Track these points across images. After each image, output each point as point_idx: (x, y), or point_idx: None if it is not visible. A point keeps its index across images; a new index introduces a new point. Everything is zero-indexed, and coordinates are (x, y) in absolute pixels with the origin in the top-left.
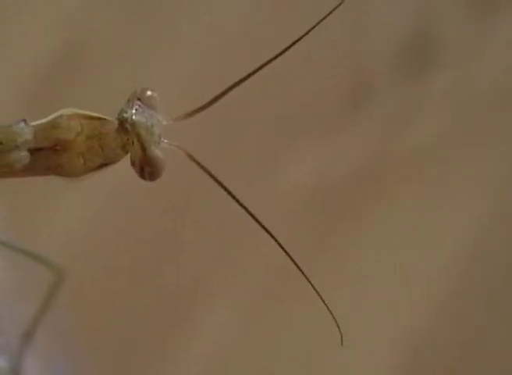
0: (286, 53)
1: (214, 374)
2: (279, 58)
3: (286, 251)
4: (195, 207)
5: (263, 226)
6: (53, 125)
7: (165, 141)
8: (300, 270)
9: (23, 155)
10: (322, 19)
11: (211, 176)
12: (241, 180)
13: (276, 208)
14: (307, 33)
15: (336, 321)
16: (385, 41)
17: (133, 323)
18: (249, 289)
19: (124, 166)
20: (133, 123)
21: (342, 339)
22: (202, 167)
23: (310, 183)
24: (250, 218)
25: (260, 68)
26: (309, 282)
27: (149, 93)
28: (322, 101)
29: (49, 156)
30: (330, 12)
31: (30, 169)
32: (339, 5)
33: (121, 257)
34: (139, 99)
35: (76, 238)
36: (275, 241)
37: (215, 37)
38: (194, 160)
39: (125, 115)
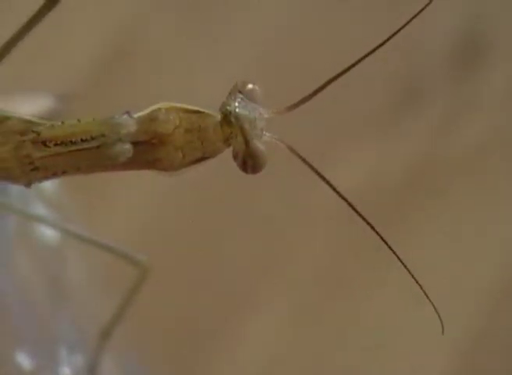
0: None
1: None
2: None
3: (382, 238)
4: (245, 208)
5: (361, 215)
6: (151, 118)
7: (267, 134)
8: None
9: (127, 148)
10: (399, 30)
11: (313, 168)
12: (293, 180)
13: (323, 210)
14: (384, 43)
15: (435, 309)
16: (435, 41)
17: (192, 322)
18: (295, 294)
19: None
20: (237, 116)
21: (443, 328)
22: (304, 161)
23: (358, 184)
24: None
25: (345, 71)
26: (407, 268)
27: (250, 86)
28: (372, 102)
29: (148, 150)
30: (409, 21)
31: (129, 164)
32: (423, 9)
33: (179, 256)
34: (240, 92)
35: (134, 239)
36: (382, 240)
37: (269, 40)
38: (296, 153)
39: (228, 108)
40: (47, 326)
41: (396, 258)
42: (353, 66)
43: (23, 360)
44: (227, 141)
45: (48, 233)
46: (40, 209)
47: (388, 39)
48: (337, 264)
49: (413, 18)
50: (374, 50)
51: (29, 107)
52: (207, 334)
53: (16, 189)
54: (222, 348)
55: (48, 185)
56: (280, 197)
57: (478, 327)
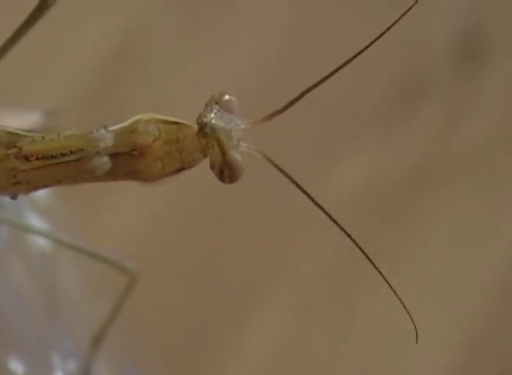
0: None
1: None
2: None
3: (358, 246)
4: (250, 209)
5: (339, 225)
6: (131, 129)
7: (244, 144)
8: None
9: (105, 161)
10: (396, 21)
11: (289, 178)
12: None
13: (329, 207)
14: (381, 36)
15: (412, 318)
16: (436, 40)
17: (192, 324)
18: (302, 290)
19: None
20: (213, 128)
21: (417, 336)
22: (281, 170)
23: (362, 182)
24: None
25: (335, 71)
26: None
27: (227, 97)
28: (372, 101)
29: (127, 161)
30: (405, 13)
31: (108, 175)
32: (414, 4)
33: (179, 259)
34: (217, 103)
35: (134, 242)
36: (351, 239)
37: (269, 42)
38: (273, 163)
39: (204, 119)
40: (40, 333)
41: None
42: (337, 70)
43: (17, 367)
44: (204, 152)
45: (41, 242)
46: (32, 219)
47: (376, 39)
48: (338, 264)
49: (402, 16)
50: (360, 52)
51: (18, 122)
52: (206, 338)
53: (8, 199)
54: (222, 352)
55: (41, 194)
56: (279, 199)
57: (481, 327)
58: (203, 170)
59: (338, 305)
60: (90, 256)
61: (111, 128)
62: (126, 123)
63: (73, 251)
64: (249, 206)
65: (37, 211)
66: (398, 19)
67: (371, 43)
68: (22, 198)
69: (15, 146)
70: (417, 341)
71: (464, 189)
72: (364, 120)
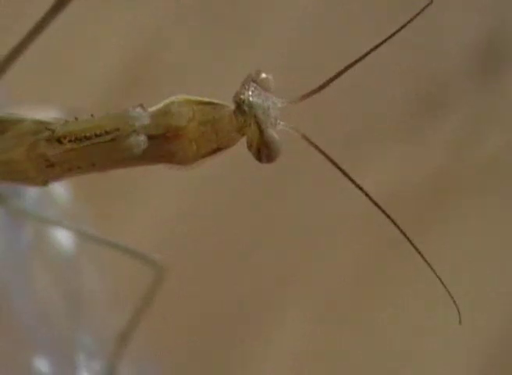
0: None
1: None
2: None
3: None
4: (278, 203)
5: (381, 209)
6: (165, 112)
7: (282, 123)
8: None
9: (142, 139)
10: (410, 21)
11: (328, 158)
12: (322, 180)
13: (353, 209)
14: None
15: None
16: (460, 45)
17: (217, 323)
18: (331, 290)
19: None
20: (250, 105)
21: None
22: (319, 149)
23: (386, 187)
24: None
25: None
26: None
27: (264, 75)
28: (398, 106)
29: (161, 144)
30: (418, 13)
31: (142, 158)
32: (428, 5)
33: (203, 257)
34: (254, 81)
35: (158, 238)
36: (395, 225)
37: (294, 42)
38: (311, 142)
39: (242, 96)
40: (64, 332)
41: (421, 262)
42: (358, 60)
43: (42, 366)
44: (241, 131)
45: (64, 244)
46: (55, 217)
47: (390, 36)
48: (364, 266)
49: (416, 16)
50: (377, 46)
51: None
52: (231, 338)
53: (31, 196)
54: (246, 352)
55: (62, 192)
56: (307, 202)
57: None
58: (233, 166)
59: (364, 306)
60: (116, 249)
61: (148, 109)
62: (160, 106)
63: (97, 243)
64: (275, 203)
65: (59, 209)
66: (411, 20)
67: (384, 41)
68: (43, 196)
69: (47, 128)
70: (460, 322)
71: (490, 196)
72: (391, 124)
